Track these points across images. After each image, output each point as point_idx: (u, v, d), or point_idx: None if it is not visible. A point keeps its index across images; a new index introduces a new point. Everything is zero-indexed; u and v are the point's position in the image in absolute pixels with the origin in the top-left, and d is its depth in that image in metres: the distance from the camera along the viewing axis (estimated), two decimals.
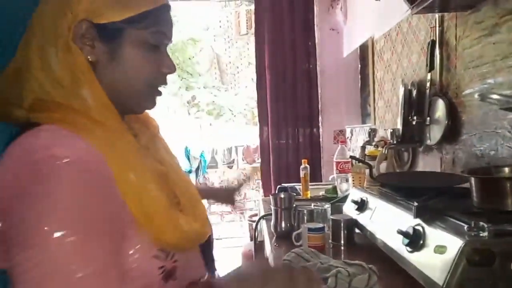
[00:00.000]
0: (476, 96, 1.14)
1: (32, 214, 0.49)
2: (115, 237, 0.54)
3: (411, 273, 0.85)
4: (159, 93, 0.67)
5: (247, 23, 3.91)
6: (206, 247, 0.74)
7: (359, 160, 1.60)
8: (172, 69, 0.65)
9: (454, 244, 0.72)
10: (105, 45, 0.59)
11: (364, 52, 2.57)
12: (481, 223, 0.74)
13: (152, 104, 0.67)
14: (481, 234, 0.73)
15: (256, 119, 2.95)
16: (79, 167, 0.51)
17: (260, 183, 2.99)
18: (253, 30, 3.00)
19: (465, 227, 0.76)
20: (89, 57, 0.58)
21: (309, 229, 1.18)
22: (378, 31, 2.05)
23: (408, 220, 0.91)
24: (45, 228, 0.48)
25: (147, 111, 0.70)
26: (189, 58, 8.47)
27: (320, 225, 1.21)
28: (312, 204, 1.41)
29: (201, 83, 8.37)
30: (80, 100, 0.56)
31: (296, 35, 2.82)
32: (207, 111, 8.20)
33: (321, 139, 2.90)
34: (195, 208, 0.68)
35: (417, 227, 0.86)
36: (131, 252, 0.56)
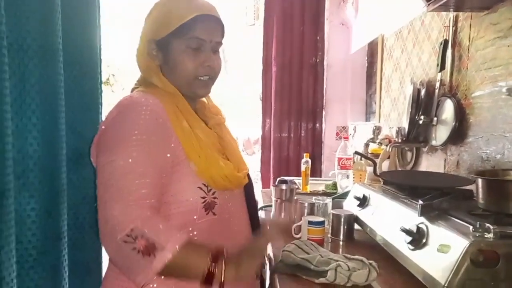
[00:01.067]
0: (504, 90, 1.12)
1: (116, 131, 0.79)
2: (167, 161, 0.78)
3: (412, 271, 0.84)
4: (206, 81, 0.88)
5: (254, 13, 3.86)
6: (250, 201, 0.93)
7: (363, 156, 1.59)
8: (209, 62, 0.87)
9: (458, 243, 0.72)
10: (161, 53, 0.88)
11: (373, 49, 2.55)
12: (487, 224, 0.73)
13: (203, 90, 0.90)
14: (486, 235, 0.73)
15: (259, 110, 2.92)
16: (151, 111, 0.80)
17: (260, 175, 2.98)
18: (260, 21, 2.96)
19: (470, 228, 0.75)
20: (156, 62, 0.88)
21: (310, 222, 1.18)
22: (390, 28, 2.03)
23: (412, 218, 0.90)
24: (122, 142, 0.76)
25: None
26: None
27: (321, 218, 1.21)
28: (313, 198, 1.40)
29: None
30: (154, 83, 0.88)
31: (305, 29, 2.78)
32: None
33: (323, 135, 2.88)
34: (239, 163, 0.91)
35: (420, 226, 0.85)
36: (180, 180, 0.79)
